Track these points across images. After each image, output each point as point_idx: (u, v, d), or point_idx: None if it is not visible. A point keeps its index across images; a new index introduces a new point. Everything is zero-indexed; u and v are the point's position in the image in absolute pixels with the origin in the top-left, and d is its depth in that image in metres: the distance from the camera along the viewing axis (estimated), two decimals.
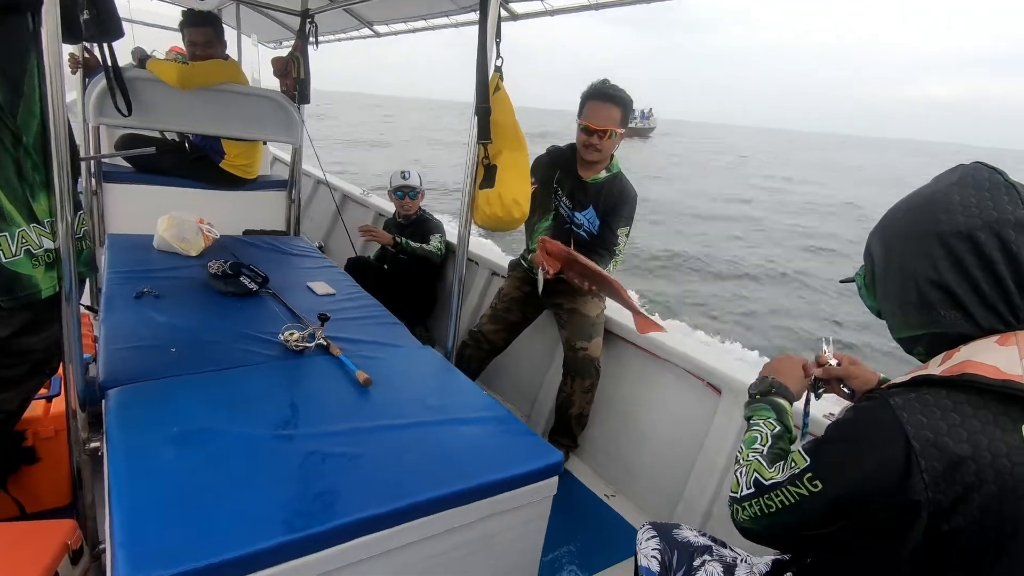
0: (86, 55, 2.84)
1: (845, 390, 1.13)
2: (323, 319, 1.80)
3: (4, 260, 1.21)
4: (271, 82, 3.38)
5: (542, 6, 2.42)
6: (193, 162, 3.10)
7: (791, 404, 1.05)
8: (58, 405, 1.67)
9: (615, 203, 2.20)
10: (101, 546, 1.45)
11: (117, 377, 1.47)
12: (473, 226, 1.90)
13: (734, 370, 1.93)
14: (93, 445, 1.38)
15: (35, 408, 1.63)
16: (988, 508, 0.67)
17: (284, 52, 3.38)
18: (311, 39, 3.18)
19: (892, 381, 0.78)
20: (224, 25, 3.20)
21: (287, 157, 3.99)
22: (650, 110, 55.14)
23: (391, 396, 1.56)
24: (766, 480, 0.84)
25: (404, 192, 3.17)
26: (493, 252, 3.17)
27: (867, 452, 0.73)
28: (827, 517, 0.76)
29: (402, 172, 3.19)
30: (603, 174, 2.22)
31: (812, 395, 1.16)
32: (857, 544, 0.77)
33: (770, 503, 0.82)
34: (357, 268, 3.10)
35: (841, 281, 1.05)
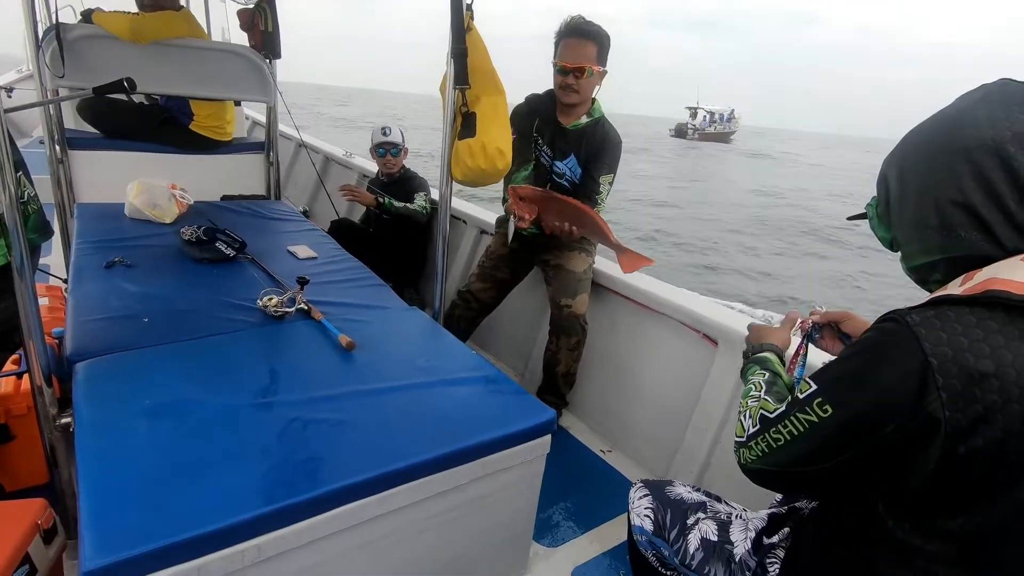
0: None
1: (841, 339, 1.10)
2: (302, 282, 1.72)
3: None
4: (240, 37, 3.20)
5: None
6: (161, 125, 2.95)
7: (778, 355, 1.03)
8: (28, 381, 1.60)
9: (597, 149, 2.08)
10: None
11: (85, 350, 1.41)
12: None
13: (731, 320, 1.88)
14: (64, 421, 1.32)
15: (6, 385, 1.56)
16: (1011, 430, 0.63)
17: (251, 5, 3.18)
18: None
19: (910, 306, 0.72)
20: None
21: (262, 119, 3.82)
22: (732, 111, 52.33)
23: (376, 359, 1.50)
24: (771, 412, 0.80)
25: (386, 149, 3.04)
26: (479, 209, 3.08)
27: (880, 371, 0.68)
28: (838, 445, 0.72)
29: (383, 128, 3.06)
30: (584, 119, 2.10)
31: (808, 343, 1.11)
32: (860, 481, 0.73)
33: (777, 436, 0.78)
34: (341, 230, 3.00)
35: (849, 218, 0.98)
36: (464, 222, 3.05)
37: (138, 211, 2.37)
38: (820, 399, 0.73)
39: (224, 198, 3.07)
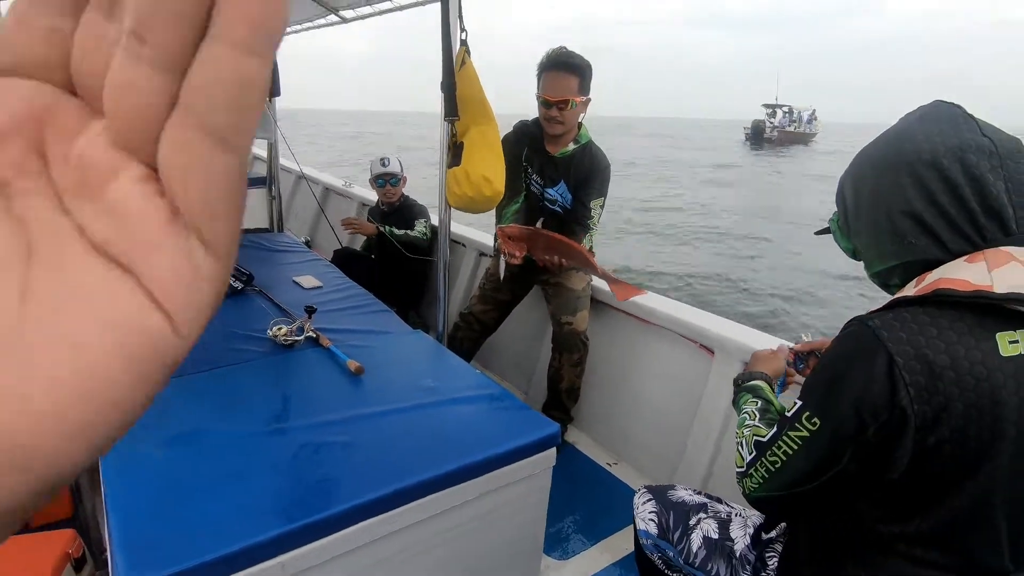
0: None
1: None
2: (310, 311, 1.79)
3: None
4: None
5: None
6: None
7: (768, 382, 1.07)
8: None
9: (586, 175, 2.14)
10: (105, 554, 1.45)
11: None
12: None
13: (726, 330, 1.93)
14: None
15: None
16: (969, 416, 0.68)
17: None
18: None
19: (868, 311, 0.79)
20: None
21: (263, 154, 3.94)
22: (812, 112, 47.00)
23: (383, 382, 1.56)
24: (765, 437, 0.84)
25: (385, 180, 3.13)
26: (478, 232, 3.15)
27: (853, 375, 0.74)
28: (833, 454, 0.76)
29: (381, 159, 3.15)
30: (571, 146, 2.17)
31: (795, 372, 1.17)
32: (850, 485, 0.78)
33: (774, 458, 0.82)
34: (344, 259, 3.08)
35: (816, 233, 1.05)
36: (463, 245, 3.13)
37: None
38: (807, 413, 0.78)
39: None
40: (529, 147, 2.19)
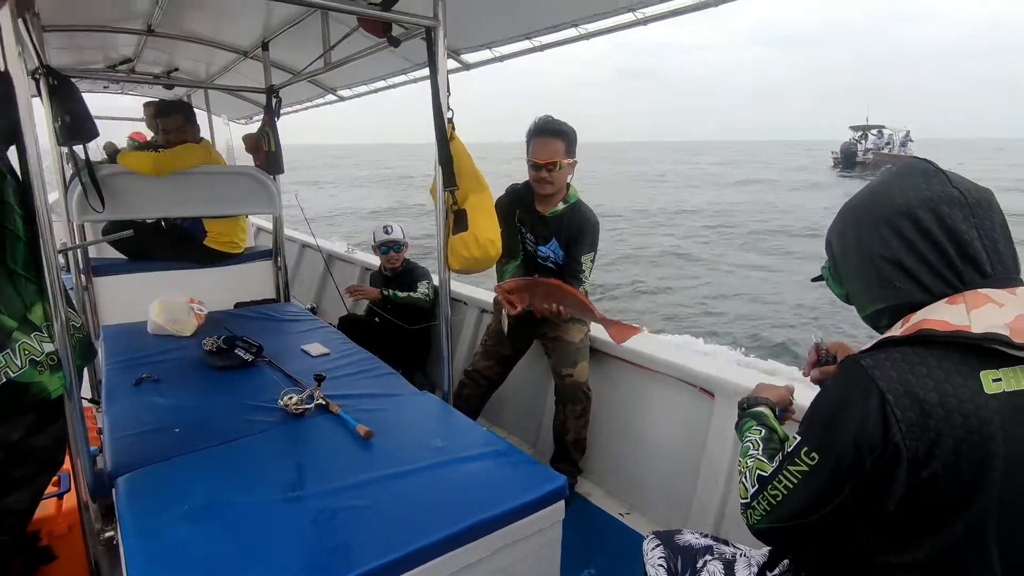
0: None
1: None
2: (319, 379, 1.85)
3: (13, 375, 1.26)
4: (245, 155, 3.50)
5: (491, 54, 2.56)
6: (177, 244, 3.19)
7: (771, 409, 1.11)
8: (69, 501, 1.69)
9: (576, 232, 2.25)
10: None
11: (125, 464, 1.51)
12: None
13: (724, 372, 1.98)
14: (108, 535, 1.41)
15: (47, 507, 1.65)
16: (959, 451, 0.73)
17: (254, 127, 3.51)
18: (277, 113, 3.31)
19: (860, 350, 0.85)
20: (195, 109, 3.34)
21: (269, 226, 4.09)
22: (907, 133, 40.42)
23: (393, 445, 1.60)
24: (767, 472, 0.89)
25: (388, 247, 3.25)
26: (479, 290, 3.25)
27: (849, 411, 0.79)
28: (832, 487, 0.80)
29: (384, 227, 3.28)
30: (561, 206, 2.28)
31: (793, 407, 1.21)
32: (850, 517, 0.82)
33: (775, 492, 0.86)
34: (349, 326, 3.15)
35: (812, 280, 1.12)
36: (465, 303, 3.22)
37: (160, 328, 2.53)
38: (806, 448, 0.83)
39: (237, 305, 3.25)
40: (521, 208, 2.32)
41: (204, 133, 4.86)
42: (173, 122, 3.05)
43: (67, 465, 1.48)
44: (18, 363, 1.27)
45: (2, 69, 1.18)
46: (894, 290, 0.85)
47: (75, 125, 2.49)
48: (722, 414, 1.94)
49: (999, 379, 0.75)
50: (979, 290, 0.79)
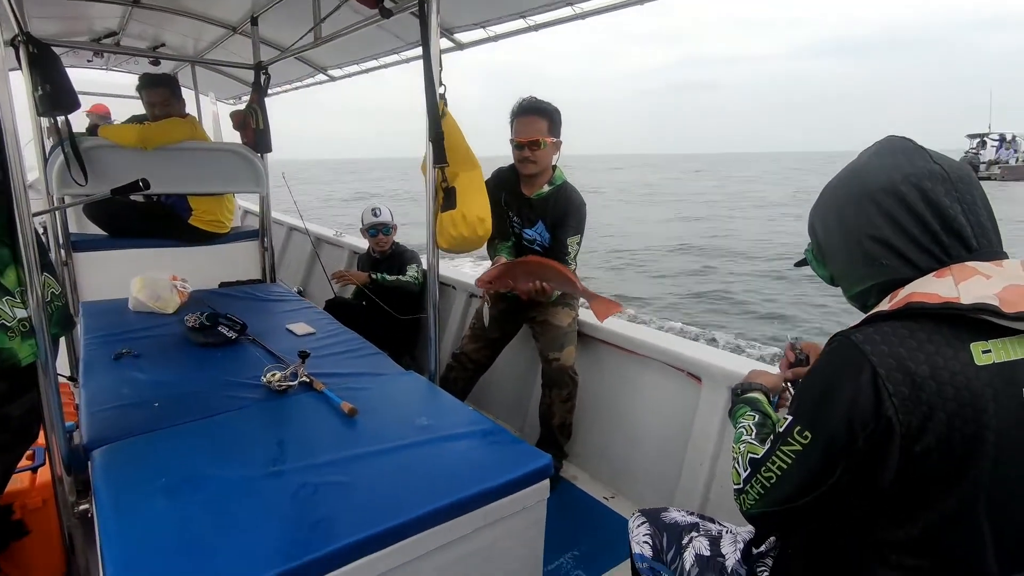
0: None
1: None
2: (303, 356, 1.82)
3: None
4: (233, 136, 3.44)
5: (484, 33, 2.52)
6: (161, 221, 3.13)
7: (765, 395, 1.10)
8: (44, 475, 1.65)
9: (562, 214, 2.23)
10: None
11: (101, 437, 1.48)
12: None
13: (712, 357, 1.98)
14: (82, 508, 1.38)
15: (21, 480, 1.61)
16: (952, 425, 0.72)
17: (242, 108, 3.44)
18: (265, 90, 3.25)
19: (849, 327, 0.84)
20: (182, 87, 3.27)
21: (256, 208, 4.03)
22: (1013, 137, 36.70)
23: (377, 423, 1.58)
24: (759, 454, 0.88)
25: (377, 229, 3.21)
26: (468, 275, 3.22)
27: (841, 387, 0.78)
28: (827, 466, 0.79)
29: (372, 209, 3.24)
30: (546, 188, 2.26)
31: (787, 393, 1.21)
32: (844, 495, 0.81)
33: (769, 474, 0.85)
34: (336, 308, 3.11)
35: (795, 265, 1.11)
36: (453, 287, 3.19)
37: (142, 304, 2.49)
38: (799, 427, 0.82)
39: (222, 285, 3.20)
40: (507, 191, 2.29)
41: (191, 111, 4.79)
42: (159, 95, 2.98)
43: (42, 439, 1.44)
44: None
45: None
46: (880, 267, 0.84)
47: (56, 95, 2.43)
48: (709, 399, 1.94)
49: (989, 350, 0.75)
50: (966, 263, 0.79)
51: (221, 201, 3.24)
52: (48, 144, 2.79)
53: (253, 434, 1.53)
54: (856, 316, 0.89)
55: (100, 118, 5.48)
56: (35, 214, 1.31)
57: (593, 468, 2.34)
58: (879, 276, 0.85)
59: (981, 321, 0.74)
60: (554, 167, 2.28)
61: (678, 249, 15.52)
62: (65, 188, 2.60)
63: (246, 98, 4.09)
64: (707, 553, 1.07)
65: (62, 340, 2.85)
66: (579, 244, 2.25)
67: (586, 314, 2.40)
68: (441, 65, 1.83)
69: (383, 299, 3.12)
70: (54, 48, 2.44)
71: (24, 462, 1.71)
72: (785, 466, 0.83)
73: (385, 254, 3.26)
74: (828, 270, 0.97)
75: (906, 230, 0.82)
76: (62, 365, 2.89)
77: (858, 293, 0.91)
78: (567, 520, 2.02)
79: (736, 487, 0.92)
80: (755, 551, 1.02)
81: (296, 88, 4.49)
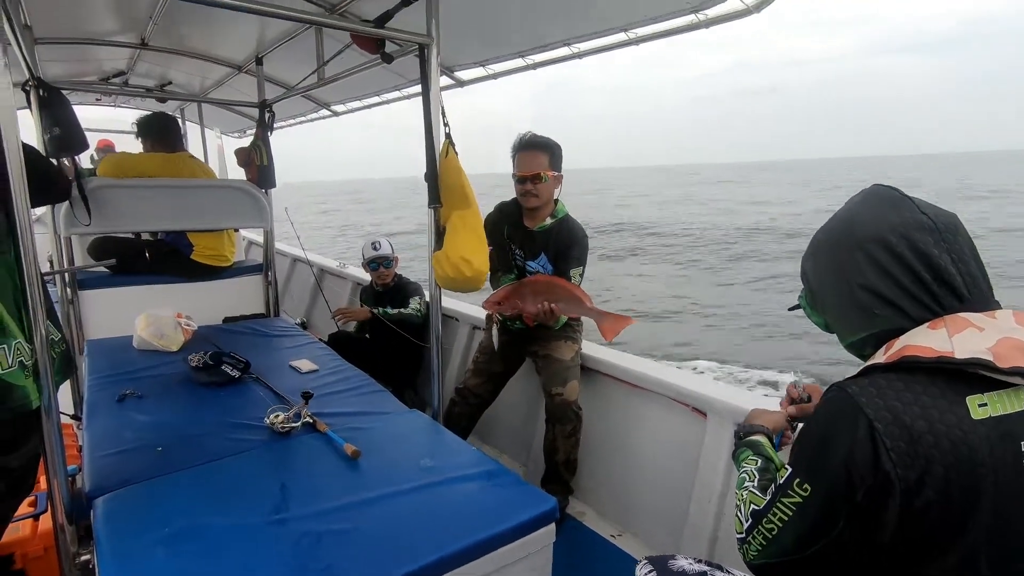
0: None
1: None
2: (306, 397, 1.81)
3: (1, 372, 1.22)
4: (238, 169, 3.49)
5: (484, 71, 2.57)
6: (164, 258, 3.16)
7: (768, 436, 1.10)
8: (45, 522, 1.64)
9: (565, 246, 2.25)
10: None
11: (103, 485, 1.47)
12: None
13: (716, 392, 1.97)
14: (84, 558, 1.36)
15: (22, 528, 1.61)
16: (950, 479, 0.72)
17: (246, 141, 3.50)
18: (270, 127, 3.31)
19: (845, 377, 0.84)
20: (188, 122, 3.34)
21: (260, 239, 4.07)
22: None
23: (380, 465, 1.57)
24: (760, 505, 0.87)
25: (378, 263, 3.23)
26: (472, 307, 3.23)
27: (838, 439, 0.77)
28: (827, 519, 0.78)
29: (373, 243, 3.26)
30: (549, 221, 2.29)
31: (790, 431, 1.20)
32: (846, 549, 0.80)
33: (770, 525, 0.84)
34: (339, 342, 3.12)
35: (789, 309, 1.11)
36: (456, 320, 3.19)
37: (146, 342, 2.49)
38: (798, 479, 0.82)
39: (226, 320, 3.21)
40: (509, 224, 2.32)
41: (196, 146, 4.87)
42: (147, 143, 3.10)
43: (44, 484, 1.44)
44: (9, 360, 1.24)
45: None
46: (874, 317, 0.85)
47: (65, 137, 2.48)
48: (715, 434, 1.93)
49: (985, 404, 0.75)
50: (959, 314, 0.79)
51: (223, 236, 3.27)
52: None
53: (256, 479, 1.52)
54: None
55: (105, 153, 5.59)
56: (45, 274, 1.32)
57: (600, 505, 2.31)
58: (872, 326, 0.86)
59: (977, 374, 0.74)
60: (556, 200, 2.31)
61: None
62: (72, 228, 2.63)
63: (252, 132, 4.17)
64: None
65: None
66: (582, 275, 2.26)
67: (589, 347, 2.40)
68: (443, 105, 1.86)
69: (386, 333, 3.13)
70: (64, 91, 2.50)
71: (26, 508, 1.70)
72: (786, 518, 0.83)
73: (388, 287, 3.27)
74: (822, 317, 0.97)
75: (898, 281, 0.82)
76: (66, 405, 2.90)
77: (854, 342, 0.91)
78: (574, 558, 1.98)
79: (739, 536, 0.91)
80: None
81: (300, 123, 4.56)
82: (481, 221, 1.96)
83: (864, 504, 0.75)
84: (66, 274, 2.87)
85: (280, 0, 1.71)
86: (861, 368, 0.83)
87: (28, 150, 1.31)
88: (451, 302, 3.26)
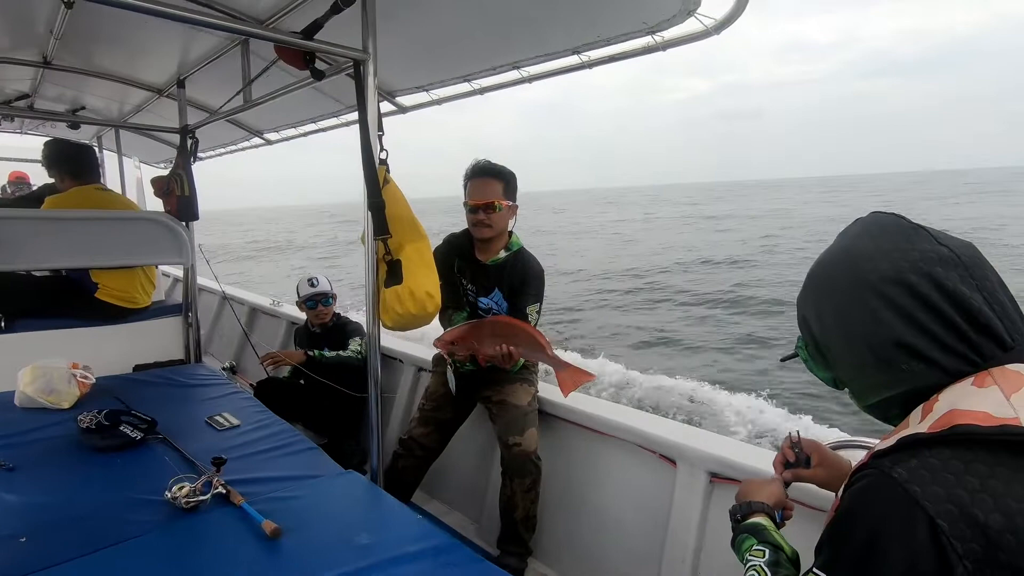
0: None
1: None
2: (218, 463, 1.53)
3: None
4: (157, 202, 3.17)
5: (428, 96, 2.42)
6: (64, 297, 2.78)
7: (769, 516, 0.92)
8: None
9: (520, 282, 2.10)
10: None
11: None
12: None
13: (686, 437, 1.82)
14: None
15: None
16: None
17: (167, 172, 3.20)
18: (193, 155, 3.03)
19: (874, 449, 0.68)
20: (105, 151, 3.02)
21: (179, 274, 3.72)
22: None
23: (306, 545, 1.32)
24: None
25: (316, 300, 2.97)
26: (416, 346, 2.99)
27: (893, 546, 0.59)
28: None
29: (309, 280, 3.01)
30: (503, 254, 2.13)
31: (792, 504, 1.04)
32: None
33: None
34: (268, 392, 2.80)
35: (782, 360, 0.95)
36: (400, 361, 2.95)
37: (30, 400, 2.13)
38: None
39: (137, 368, 2.84)
40: (460, 257, 2.14)
41: (114, 176, 4.48)
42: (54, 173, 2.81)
43: None
44: None
45: None
46: (900, 373, 0.69)
47: None
48: (686, 484, 1.76)
49: None
50: (1007, 366, 0.65)
51: (133, 274, 2.92)
52: None
53: (149, 572, 1.23)
54: None
55: (18, 186, 5.11)
56: None
57: (562, 566, 2.09)
58: (899, 384, 0.70)
59: None
60: (510, 232, 2.15)
61: None
62: None
63: (174, 160, 3.85)
64: None
65: None
66: (539, 313, 2.09)
67: (546, 389, 2.22)
68: (382, 129, 1.69)
69: (323, 378, 2.84)
70: None
71: None
72: None
73: (326, 327, 3.00)
74: (830, 372, 0.81)
75: (926, 329, 0.67)
76: None
77: (876, 404, 0.75)
78: None
79: None
80: None
81: (231, 152, 4.27)
82: (432, 254, 1.78)
83: None
84: None
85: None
86: (898, 440, 0.65)
87: None
88: (394, 341, 3.01)
